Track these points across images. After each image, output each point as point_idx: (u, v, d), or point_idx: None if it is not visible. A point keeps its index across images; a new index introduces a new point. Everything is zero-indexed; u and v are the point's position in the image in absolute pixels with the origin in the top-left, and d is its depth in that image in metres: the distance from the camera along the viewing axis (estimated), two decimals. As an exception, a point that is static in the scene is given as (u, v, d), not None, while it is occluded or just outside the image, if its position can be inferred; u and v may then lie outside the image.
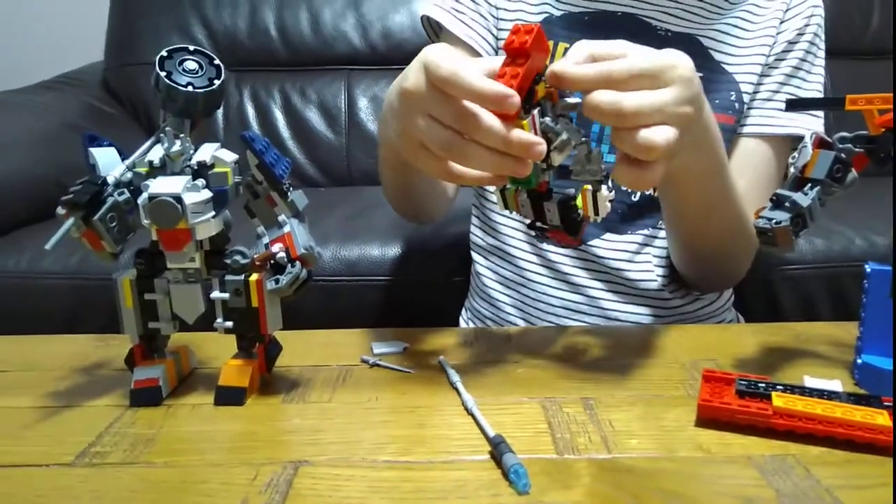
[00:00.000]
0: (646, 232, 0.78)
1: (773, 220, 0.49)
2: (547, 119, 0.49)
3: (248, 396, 0.52)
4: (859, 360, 0.52)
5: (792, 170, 0.52)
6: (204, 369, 0.57)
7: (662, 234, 0.78)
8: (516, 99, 0.45)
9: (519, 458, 0.41)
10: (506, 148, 0.47)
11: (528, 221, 0.57)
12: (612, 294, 0.79)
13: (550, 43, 0.49)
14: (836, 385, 0.47)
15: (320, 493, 0.40)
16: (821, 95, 0.80)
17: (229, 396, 0.51)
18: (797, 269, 1.09)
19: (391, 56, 1.71)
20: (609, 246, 0.78)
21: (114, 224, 0.48)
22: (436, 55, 0.48)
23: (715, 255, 0.74)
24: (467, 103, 0.47)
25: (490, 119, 0.46)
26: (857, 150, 0.50)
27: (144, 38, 1.70)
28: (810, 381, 0.48)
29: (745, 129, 0.77)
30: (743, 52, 0.77)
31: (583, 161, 0.52)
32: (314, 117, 1.69)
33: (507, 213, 0.80)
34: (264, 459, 0.43)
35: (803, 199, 0.50)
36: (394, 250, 1.10)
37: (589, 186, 0.53)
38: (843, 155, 0.50)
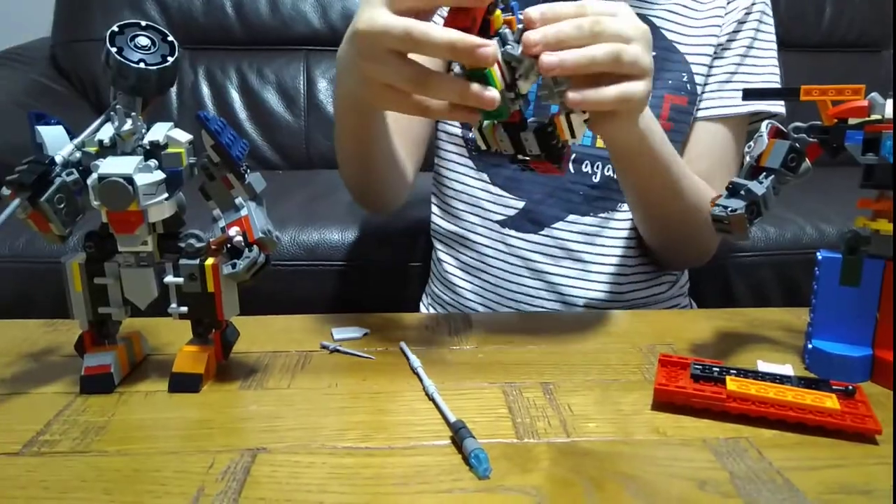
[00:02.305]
0: (604, 214, 0.79)
1: (729, 208, 0.50)
2: (508, 47, 0.49)
3: (203, 383, 0.51)
4: (810, 346, 0.53)
5: (748, 158, 0.53)
6: (157, 356, 0.56)
7: (618, 215, 0.79)
8: (490, 49, 0.46)
9: (479, 442, 0.41)
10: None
11: (510, 154, 0.56)
12: (570, 279, 0.79)
13: None
14: (787, 370, 0.49)
15: (279, 481, 0.39)
16: (776, 74, 0.81)
17: (184, 383, 0.50)
18: (749, 257, 1.12)
19: (351, 38, 1.68)
20: (571, 228, 0.79)
21: (62, 205, 0.47)
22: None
23: (681, 234, 0.76)
24: None
25: None
26: (811, 139, 0.51)
27: (94, 14, 1.64)
28: (763, 366, 0.50)
29: (706, 113, 0.79)
30: (693, 32, 0.79)
31: (550, 85, 0.51)
32: (272, 98, 1.66)
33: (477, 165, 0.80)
34: (221, 447, 0.43)
35: (758, 187, 0.51)
36: (354, 235, 1.09)
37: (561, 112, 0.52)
38: (797, 144, 0.51)
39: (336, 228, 1.09)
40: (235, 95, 1.65)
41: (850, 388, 0.46)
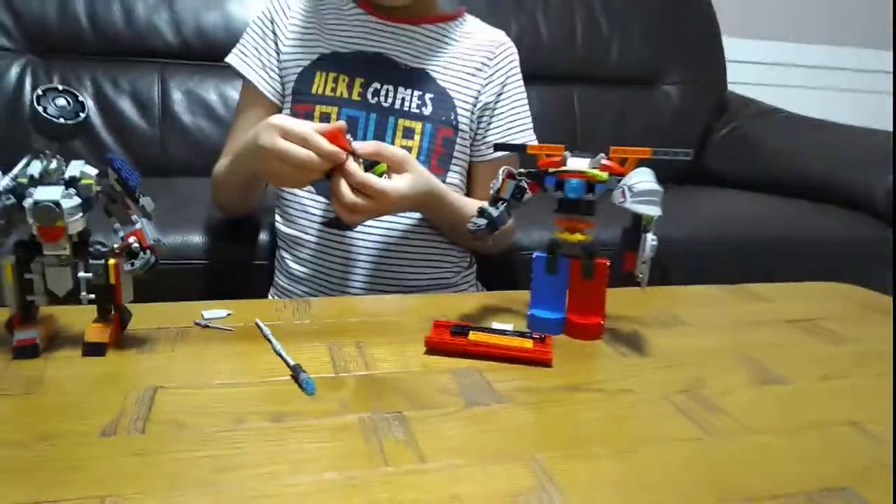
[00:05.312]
0: (402, 214, 1.07)
1: (477, 224, 0.78)
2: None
3: (107, 350, 0.70)
4: (529, 313, 0.82)
5: (491, 191, 0.81)
6: (66, 333, 0.74)
7: (414, 215, 1.08)
8: (343, 155, 0.80)
9: (309, 375, 0.65)
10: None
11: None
12: (381, 267, 1.06)
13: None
14: (508, 326, 0.77)
15: (175, 403, 0.60)
16: (529, 121, 1.17)
17: (94, 349, 0.69)
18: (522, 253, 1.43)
19: (204, 52, 1.83)
20: (379, 225, 1.07)
21: (2, 221, 0.64)
22: (284, 121, 0.83)
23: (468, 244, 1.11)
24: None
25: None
26: (529, 181, 0.80)
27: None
28: (495, 325, 0.77)
29: (488, 157, 1.13)
30: (460, 83, 1.10)
31: None
32: (127, 108, 1.77)
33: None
34: (130, 386, 0.63)
35: (495, 211, 0.78)
36: (211, 238, 1.26)
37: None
38: (522, 183, 0.79)
39: (197, 233, 1.26)
40: (90, 103, 1.75)
41: (542, 336, 0.74)
